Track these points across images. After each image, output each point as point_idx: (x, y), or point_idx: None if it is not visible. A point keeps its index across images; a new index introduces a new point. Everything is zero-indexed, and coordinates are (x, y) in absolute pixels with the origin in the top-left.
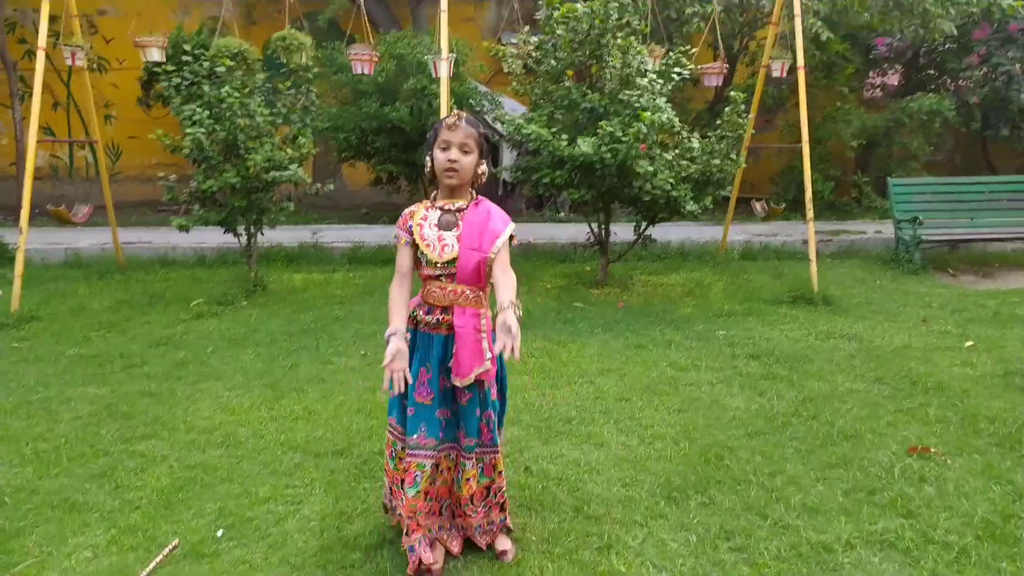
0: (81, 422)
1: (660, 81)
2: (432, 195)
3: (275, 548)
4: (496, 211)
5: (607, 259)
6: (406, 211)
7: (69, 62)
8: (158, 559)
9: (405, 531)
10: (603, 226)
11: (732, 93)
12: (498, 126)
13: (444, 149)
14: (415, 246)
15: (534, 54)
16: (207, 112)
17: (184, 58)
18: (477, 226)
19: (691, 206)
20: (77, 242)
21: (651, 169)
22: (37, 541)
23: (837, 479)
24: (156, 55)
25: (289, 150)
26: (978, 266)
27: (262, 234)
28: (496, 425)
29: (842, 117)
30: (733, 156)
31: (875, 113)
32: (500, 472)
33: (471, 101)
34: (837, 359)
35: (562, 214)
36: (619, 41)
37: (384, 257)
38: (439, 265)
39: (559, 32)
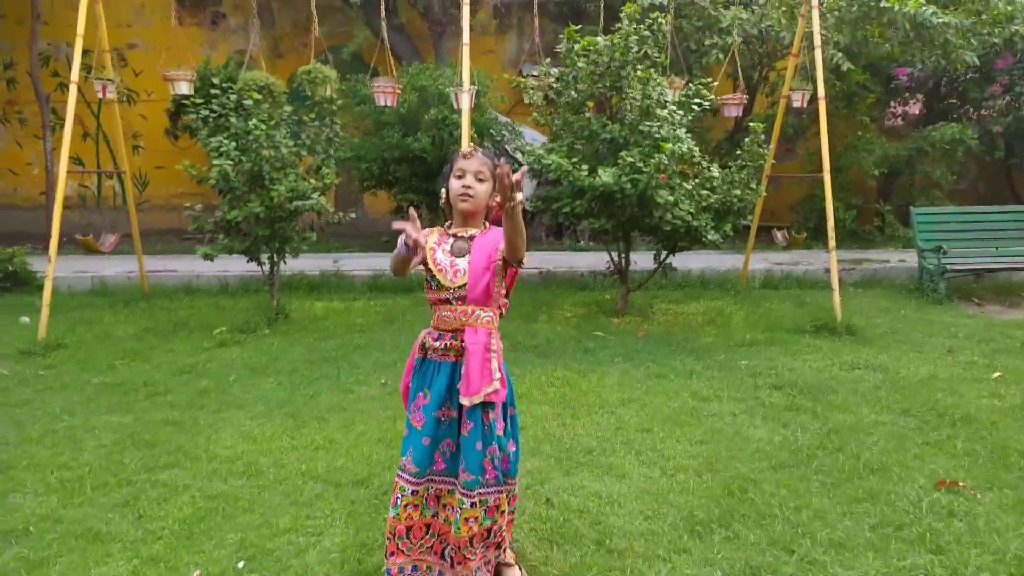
0: (105, 451)
1: (680, 112)
2: (447, 223)
3: None
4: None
5: (627, 288)
6: (425, 230)
7: (100, 95)
8: None
9: (385, 551)
10: (623, 255)
11: (752, 124)
12: (518, 156)
13: (459, 177)
14: (427, 270)
15: (555, 85)
16: (233, 144)
17: (212, 91)
18: (486, 247)
19: (712, 235)
20: (104, 270)
21: (671, 199)
22: (60, 571)
23: (864, 513)
24: (184, 88)
25: (312, 180)
26: (1004, 296)
27: (285, 263)
28: (500, 463)
29: (863, 146)
30: (753, 186)
31: (897, 142)
32: (503, 512)
33: (492, 131)
34: (862, 390)
35: (582, 242)
36: (639, 73)
37: (404, 285)
38: (451, 290)
39: (580, 64)
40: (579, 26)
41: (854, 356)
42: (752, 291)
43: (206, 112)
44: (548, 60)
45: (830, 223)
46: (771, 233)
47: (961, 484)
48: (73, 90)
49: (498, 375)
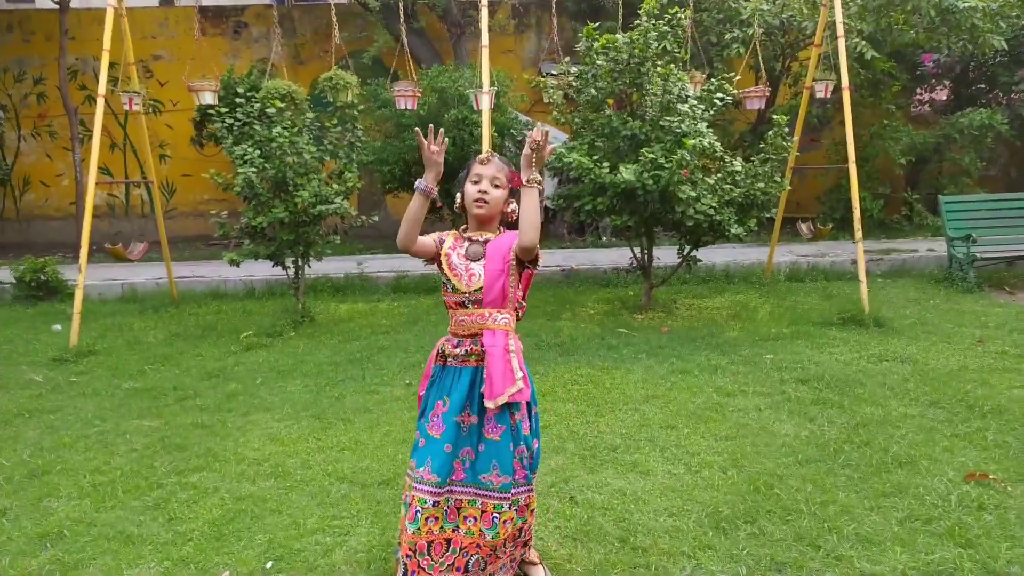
0: (136, 455)
1: (701, 107)
2: (463, 228)
3: None
4: None
5: (650, 283)
6: (442, 232)
7: (126, 107)
8: None
9: (404, 572)
10: (646, 250)
11: (775, 116)
12: None
13: (475, 182)
14: (442, 273)
15: (574, 84)
16: (258, 151)
17: (236, 100)
18: (501, 249)
19: (735, 229)
20: (133, 277)
21: (694, 194)
22: (94, 574)
23: (892, 508)
24: (209, 98)
25: (335, 185)
26: None
27: (309, 266)
28: (530, 462)
29: (890, 134)
30: (777, 179)
31: (923, 129)
32: (532, 511)
33: (512, 130)
34: (890, 383)
35: (604, 239)
36: (659, 69)
37: (427, 286)
38: (466, 293)
39: (599, 62)
40: (597, 23)
41: (882, 348)
42: (777, 284)
43: (230, 121)
44: (567, 58)
45: (856, 213)
46: (795, 225)
47: (991, 477)
48: (100, 103)
49: (520, 374)
